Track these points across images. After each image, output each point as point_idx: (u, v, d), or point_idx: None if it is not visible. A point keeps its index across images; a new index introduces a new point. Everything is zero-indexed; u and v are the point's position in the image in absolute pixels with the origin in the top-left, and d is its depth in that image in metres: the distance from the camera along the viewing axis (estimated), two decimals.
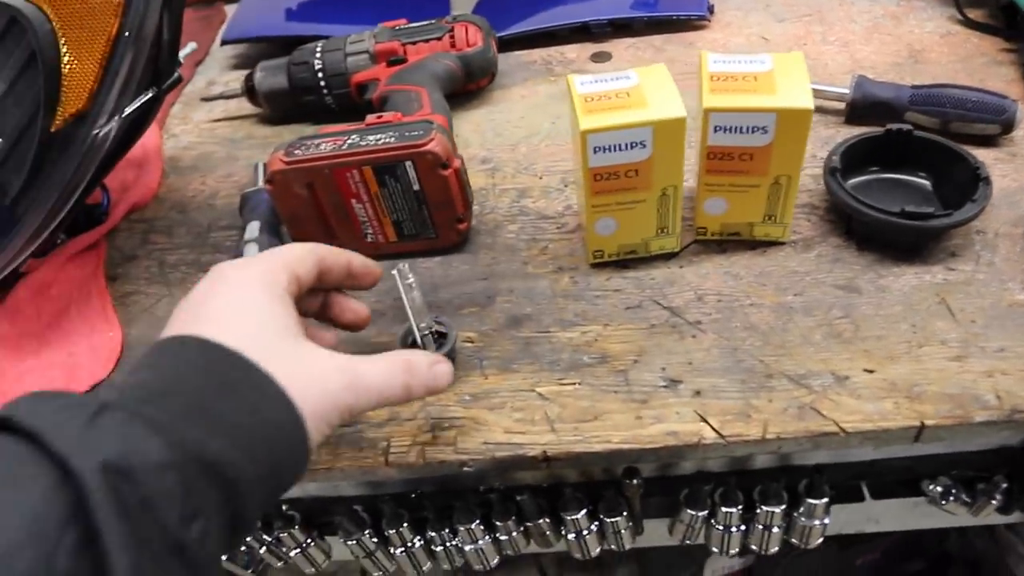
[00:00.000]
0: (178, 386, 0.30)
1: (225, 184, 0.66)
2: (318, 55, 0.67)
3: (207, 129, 0.73)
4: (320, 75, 0.66)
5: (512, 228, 0.56)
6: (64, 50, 0.48)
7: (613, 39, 0.74)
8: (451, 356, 0.45)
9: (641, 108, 0.45)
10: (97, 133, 0.49)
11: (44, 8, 0.48)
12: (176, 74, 0.53)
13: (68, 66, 0.48)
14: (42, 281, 0.58)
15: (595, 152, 0.45)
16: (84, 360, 0.53)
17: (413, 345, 0.44)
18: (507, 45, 0.73)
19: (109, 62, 0.49)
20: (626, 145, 0.45)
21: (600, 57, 0.72)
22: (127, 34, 0.48)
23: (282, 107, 0.69)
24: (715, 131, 0.46)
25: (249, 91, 0.69)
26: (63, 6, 0.48)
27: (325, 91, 0.67)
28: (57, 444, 0.25)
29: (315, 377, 0.33)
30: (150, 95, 0.51)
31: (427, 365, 0.38)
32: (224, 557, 0.52)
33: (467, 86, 0.67)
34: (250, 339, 0.32)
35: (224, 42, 0.80)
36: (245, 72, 0.72)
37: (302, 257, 0.38)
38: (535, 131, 0.65)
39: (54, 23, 0.48)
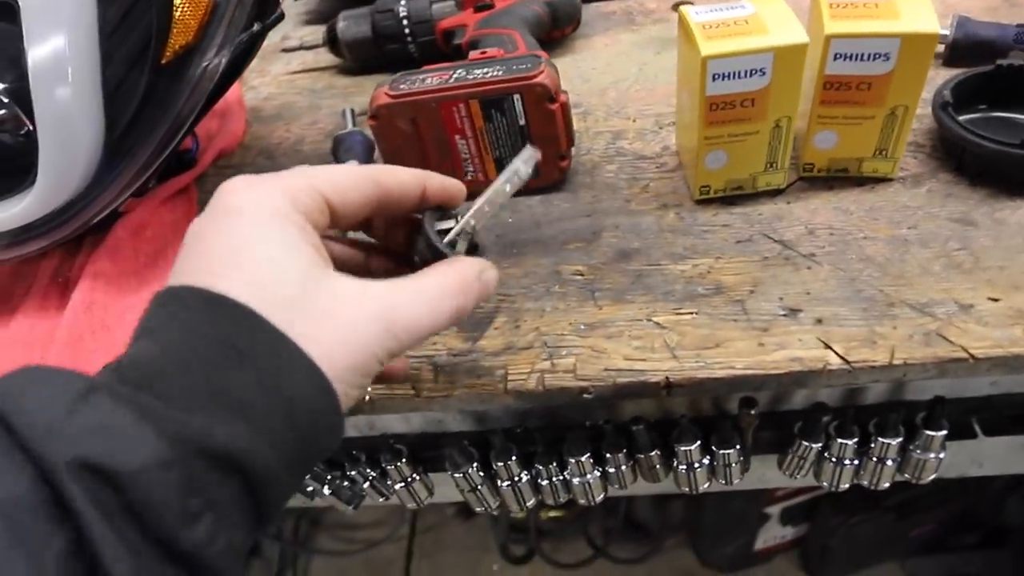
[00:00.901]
0: (180, 358, 0.25)
1: (311, 131, 0.66)
2: (403, 3, 0.67)
3: (286, 81, 0.73)
4: (405, 22, 0.66)
5: (610, 168, 0.56)
6: None
7: None
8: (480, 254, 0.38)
9: (762, 35, 0.44)
10: (206, 66, 0.49)
11: None
12: (279, 10, 0.53)
13: None
14: (138, 222, 0.58)
15: (714, 80, 0.45)
16: None
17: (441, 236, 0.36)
18: None
19: None
20: (745, 72, 0.45)
21: None
22: None
23: (364, 56, 0.69)
24: (835, 59, 0.46)
25: (331, 40, 0.69)
26: None
27: (409, 39, 0.67)
28: (28, 433, 0.22)
29: (345, 327, 0.28)
30: (255, 29, 0.51)
31: (476, 277, 0.34)
32: (317, 494, 0.52)
33: (552, 33, 0.67)
34: (265, 289, 0.27)
35: None
36: (317, 27, 0.72)
37: (344, 187, 0.32)
38: (622, 77, 0.64)
39: None
